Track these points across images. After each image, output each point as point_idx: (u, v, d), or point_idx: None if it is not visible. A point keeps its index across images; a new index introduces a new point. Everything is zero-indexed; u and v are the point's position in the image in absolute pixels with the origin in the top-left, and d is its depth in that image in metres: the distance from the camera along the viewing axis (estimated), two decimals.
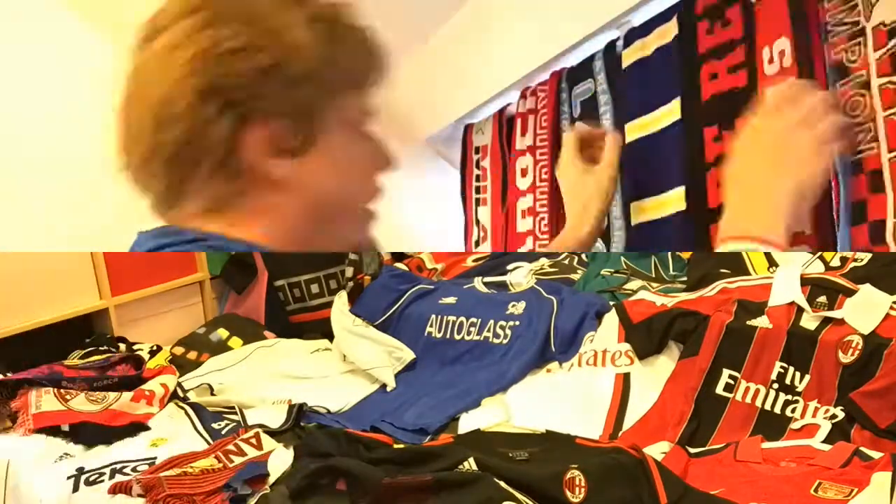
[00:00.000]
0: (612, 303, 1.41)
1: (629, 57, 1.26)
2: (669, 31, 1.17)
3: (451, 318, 1.57)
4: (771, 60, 0.99)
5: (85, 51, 1.63)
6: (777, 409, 1.13)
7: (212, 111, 0.74)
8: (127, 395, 1.36)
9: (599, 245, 1.40)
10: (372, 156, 0.87)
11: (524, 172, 1.57)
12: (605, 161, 1.18)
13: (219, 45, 0.74)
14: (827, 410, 1.09)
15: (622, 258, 1.61)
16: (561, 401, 1.29)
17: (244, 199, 0.78)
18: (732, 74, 1.05)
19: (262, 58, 0.75)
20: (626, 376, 1.28)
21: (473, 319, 1.54)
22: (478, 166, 1.80)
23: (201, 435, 1.29)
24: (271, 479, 1.11)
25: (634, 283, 1.54)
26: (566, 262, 1.73)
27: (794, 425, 1.10)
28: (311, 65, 0.77)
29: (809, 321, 1.16)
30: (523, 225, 1.54)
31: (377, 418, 1.32)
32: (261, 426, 1.26)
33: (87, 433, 1.26)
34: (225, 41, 0.74)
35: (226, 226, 0.77)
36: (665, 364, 1.27)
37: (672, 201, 1.16)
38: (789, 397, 1.12)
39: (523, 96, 1.64)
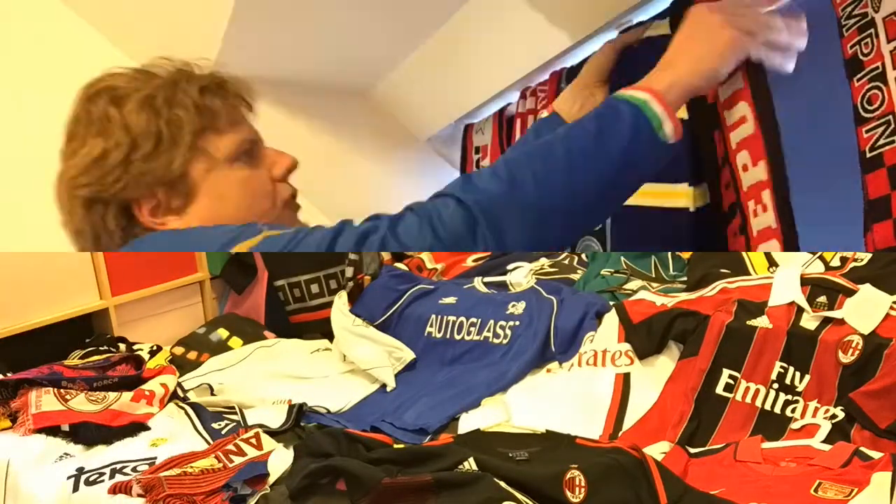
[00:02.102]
0: (612, 303, 1.41)
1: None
2: (662, 29, 1.17)
3: (451, 318, 1.57)
4: None
5: (85, 50, 1.63)
6: (777, 409, 1.13)
7: (100, 213, 0.93)
8: (127, 395, 1.36)
9: (597, 246, 1.41)
10: (263, 173, 1.01)
11: None
12: None
13: (80, 164, 0.92)
14: (827, 410, 1.09)
15: (622, 258, 1.61)
16: (561, 401, 1.29)
17: None
18: None
19: (115, 155, 0.91)
20: (626, 376, 1.28)
21: (473, 319, 1.54)
22: (478, 166, 1.80)
23: (201, 435, 1.29)
24: (271, 479, 1.11)
25: (634, 283, 1.54)
26: (566, 262, 1.73)
27: (794, 425, 1.10)
28: (155, 139, 0.92)
29: (809, 321, 1.16)
30: None
31: (377, 418, 1.32)
32: (261, 426, 1.26)
33: (87, 433, 1.26)
34: (82, 158, 0.92)
35: None
36: (665, 364, 1.27)
37: (679, 195, 1.16)
38: (789, 397, 1.12)
39: (523, 96, 1.64)
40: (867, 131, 0.88)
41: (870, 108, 0.86)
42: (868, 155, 0.86)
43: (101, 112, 0.93)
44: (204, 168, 0.95)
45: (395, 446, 1.13)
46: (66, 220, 0.98)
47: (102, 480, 1.13)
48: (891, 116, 0.83)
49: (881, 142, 0.84)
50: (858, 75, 0.87)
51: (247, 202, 0.98)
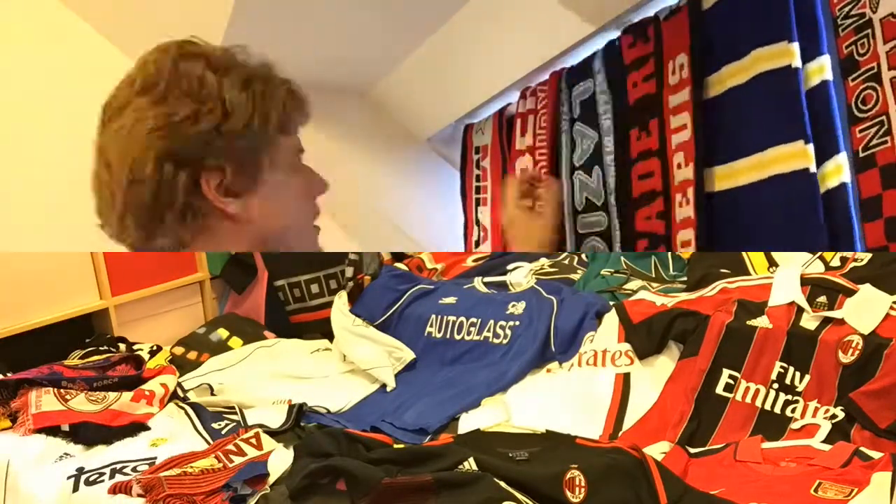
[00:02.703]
0: (612, 303, 1.41)
1: None
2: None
3: (451, 318, 1.57)
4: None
5: (85, 50, 1.63)
6: (777, 409, 1.13)
7: (170, 171, 0.91)
8: (127, 395, 1.36)
9: (602, 246, 1.41)
10: (307, 184, 1.05)
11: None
12: (543, 213, 1.40)
13: (171, 117, 0.90)
14: (827, 410, 1.09)
15: (622, 258, 1.61)
16: (561, 401, 1.29)
17: (207, 234, 0.95)
18: None
19: (207, 121, 0.91)
20: (626, 376, 1.28)
21: (473, 319, 1.54)
22: (478, 166, 1.80)
23: (201, 435, 1.29)
24: (271, 479, 1.11)
25: (634, 283, 1.54)
26: (566, 262, 1.73)
27: (794, 425, 1.10)
28: (247, 120, 0.94)
29: (809, 321, 1.16)
30: None
31: (377, 418, 1.32)
32: (261, 426, 1.26)
33: (87, 433, 1.26)
34: (175, 113, 0.90)
35: None
36: (665, 364, 1.27)
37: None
38: (789, 397, 1.12)
39: (523, 96, 1.64)
40: (860, 131, 0.88)
41: (864, 108, 0.86)
42: (861, 155, 0.87)
43: (197, 75, 0.93)
44: (269, 162, 0.98)
45: (395, 446, 1.13)
46: (121, 174, 0.92)
47: (102, 480, 1.13)
48: (884, 117, 0.84)
49: (874, 142, 0.85)
50: (853, 75, 0.87)
51: (295, 208, 1.02)
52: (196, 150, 0.92)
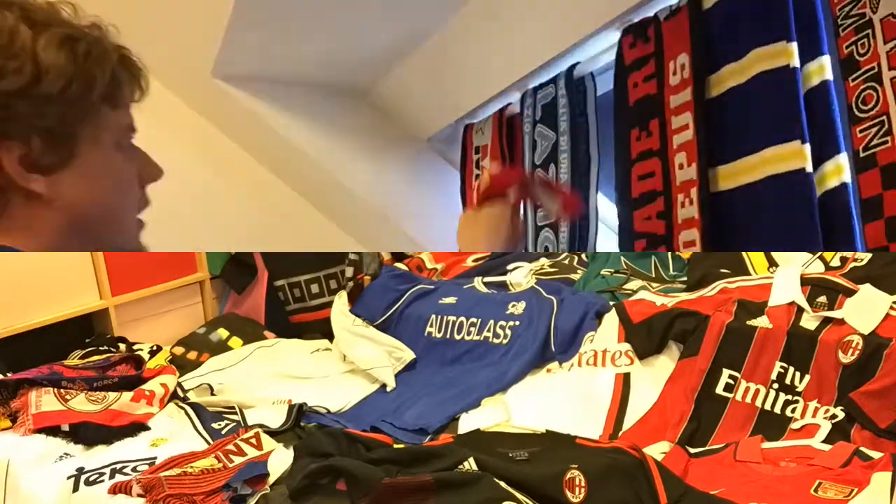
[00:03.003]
0: (612, 303, 1.41)
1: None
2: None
3: (451, 318, 1.57)
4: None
5: None
6: (777, 409, 1.13)
7: None
8: (127, 395, 1.36)
9: (551, 236, 1.44)
10: (136, 169, 0.91)
11: None
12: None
13: None
14: (827, 410, 1.09)
15: (622, 258, 1.61)
16: (561, 401, 1.29)
17: (6, 213, 0.82)
18: None
19: (13, 80, 0.78)
20: (626, 376, 1.28)
21: (473, 319, 1.54)
22: (478, 166, 1.80)
23: (201, 435, 1.29)
24: (271, 479, 1.11)
25: (634, 283, 1.54)
26: (566, 262, 1.73)
27: (794, 425, 1.10)
28: (63, 84, 0.81)
29: (809, 321, 1.16)
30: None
31: (377, 418, 1.32)
32: (261, 426, 1.26)
33: (87, 433, 1.26)
34: None
35: None
36: (665, 364, 1.27)
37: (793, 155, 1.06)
38: (789, 397, 1.12)
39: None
40: (861, 131, 0.88)
41: (864, 108, 0.86)
42: (861, 155, 0.87)
43: (9, 26, 0.79)
44: (90, 136, 0.85)
45: (395, 446, 1.13)
46: None
47: (102, 480, 1.13)
48: (885, 117, 0.84)
49: (874, 142, 0.85)
50: (854, 75, 0.87)
51: (115, 192, 0.89)
52: None
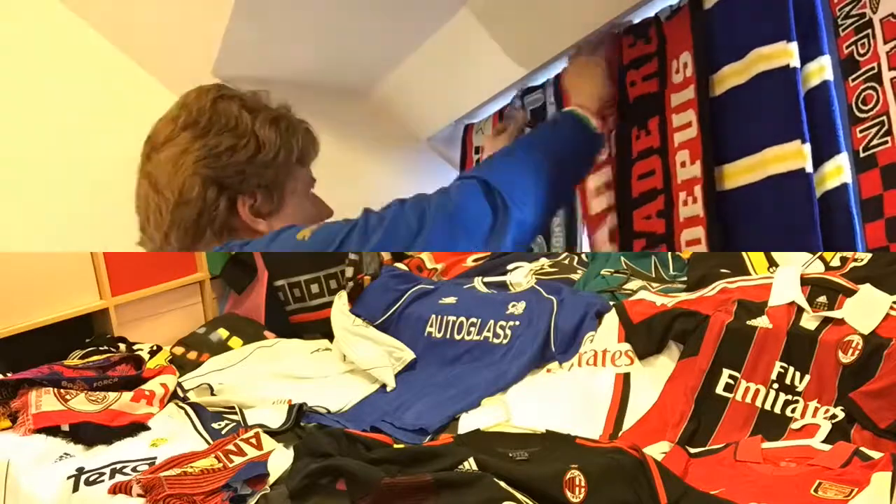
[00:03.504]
0: (612, 303, 1.41)
1: None
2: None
3: (452, 318, 1.57)
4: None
5: (85, 50, 1.63)
6: (777, 409, 1.13)
7: (213, 194, 1.10)
8: (127, 395, 1.36)
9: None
10: (318, 210, 1.24)
11: None
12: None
13: (212, 149, 1.10)
14: (827, 410, 1.09)
15: (622, 258, 1.61)
16: (561, 401, 1.29)
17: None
18: None
19: (243, 153, 1.12)
20: (626, 376, 1.28)
21: (473, 319, 1.54)
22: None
23: (201, 435, 1.29)
24: (271, 479, 1.11)
25: (634, 283, 1.54)
26: (566, 262, 1.73)
27: (795, 425, 1.10)
28: (275, 153, 1.15)
29: (809, 321, 1.16)
30: None
31: (377, 418, 1.32)
32: (261, 426, 1.26)
33: (87, 433, 1.26)
34: (217, 146, 1.10)
35: None
36: (665, 364, 1.27)
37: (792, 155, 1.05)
38: (789, 397, 1.12)
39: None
40: (861, 131, 0.88)
41: (864, 108, 0.86)
42: (861, 155, 0.87)
43: (233, 113, 1.12)
44: (291, 189, 1.18)
45: (395, 446, 1.13)
46: (170, 196, 1.09)
47: (102, 480, 1.13)
48: (885, 117, 0.84)
49: (874, 142, 0.85)
50: (854, 75, 0.87)
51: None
52: (234, 178, 1.11)
